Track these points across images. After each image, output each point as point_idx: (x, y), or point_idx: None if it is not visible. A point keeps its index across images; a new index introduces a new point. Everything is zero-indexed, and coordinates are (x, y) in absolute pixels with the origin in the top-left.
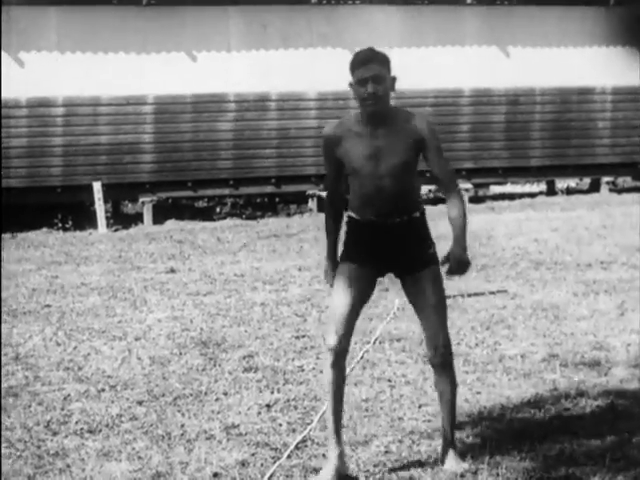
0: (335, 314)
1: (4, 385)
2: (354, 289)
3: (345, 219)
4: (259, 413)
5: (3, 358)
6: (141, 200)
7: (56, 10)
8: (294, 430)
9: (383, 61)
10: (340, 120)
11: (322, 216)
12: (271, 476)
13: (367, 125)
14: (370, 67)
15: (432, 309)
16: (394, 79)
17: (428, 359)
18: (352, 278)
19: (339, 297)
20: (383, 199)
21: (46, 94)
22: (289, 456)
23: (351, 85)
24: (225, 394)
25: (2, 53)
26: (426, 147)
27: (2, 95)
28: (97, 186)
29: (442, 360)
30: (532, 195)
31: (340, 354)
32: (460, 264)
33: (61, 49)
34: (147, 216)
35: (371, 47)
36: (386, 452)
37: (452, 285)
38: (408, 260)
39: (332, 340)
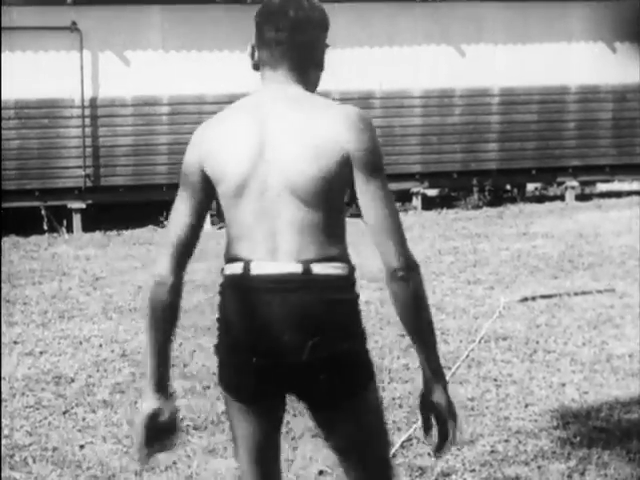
0: None
1: (111, 381)
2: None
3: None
4: None
5: (110, 354)
6: None
7: (161, 9)
8: (399, 429)
9: None
10: None
11: (427, 214)
12: None
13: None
14: None
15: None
16: None
17: None
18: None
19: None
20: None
21: (151, 93)
22: (394, 455)
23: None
24: None
25: (108, 52)
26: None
27: (109, 93)
28: None
29: None
30: None
31: None
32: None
33: (166, 48)
34: None
35: None
36: (492, 452)
37: (557, 284)
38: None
39: None
